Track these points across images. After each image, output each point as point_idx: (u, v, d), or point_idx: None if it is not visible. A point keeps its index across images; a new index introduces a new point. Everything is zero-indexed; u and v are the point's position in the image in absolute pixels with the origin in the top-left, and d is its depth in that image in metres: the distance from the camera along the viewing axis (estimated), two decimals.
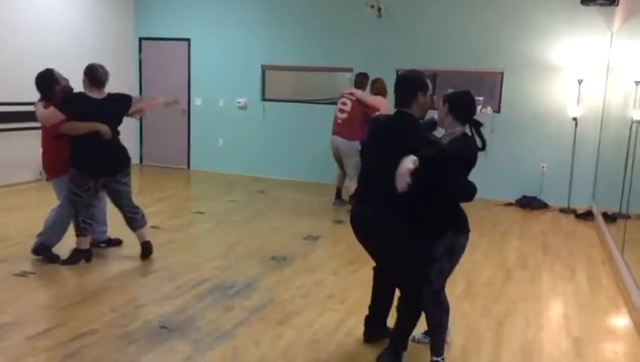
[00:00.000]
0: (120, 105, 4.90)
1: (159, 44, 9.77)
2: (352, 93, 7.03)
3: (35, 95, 4.80)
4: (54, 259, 4.82)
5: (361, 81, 7.14)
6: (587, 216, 7.36)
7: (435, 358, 3.17)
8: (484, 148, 3.05)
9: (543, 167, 7.98)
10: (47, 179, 5.07)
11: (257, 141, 9.38)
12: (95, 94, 4.74)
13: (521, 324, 4.02)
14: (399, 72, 3.31)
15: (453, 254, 3.09)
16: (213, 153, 9.66)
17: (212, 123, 9.63)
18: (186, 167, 9.89)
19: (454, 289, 4.53)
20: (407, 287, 3.21)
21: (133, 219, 5.00)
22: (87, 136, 4.64)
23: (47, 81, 4.72)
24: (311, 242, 5.79)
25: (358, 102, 6.90)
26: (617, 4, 7.16)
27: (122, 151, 4.93)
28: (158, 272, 4.71)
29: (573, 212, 7.61)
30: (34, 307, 3.93)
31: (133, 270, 4.75)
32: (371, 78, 7.20)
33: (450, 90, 3.15)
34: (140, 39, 9.87)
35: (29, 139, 7.85)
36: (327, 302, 4.22)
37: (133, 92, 9.67)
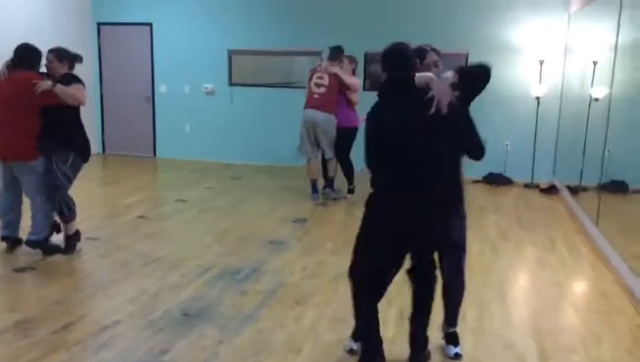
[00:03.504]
0: None
1: (119, 29, 9.50)
2: (328, 69, 6.83)
3: None
4: (56, 250, 4.75)
5: (336, 54, 6.91)
6: (550, 190, 7.80)
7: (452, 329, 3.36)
8: None
9: (506, 145, 8.36)
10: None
11: (226, 127, 9.33)
12: None
13: (520, 293, 4.31)
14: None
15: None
16: (180, 140, 9.53)
17: (178, 110, 9.49)
18: (152, 155, 9.72)
19: None
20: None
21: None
22: (79, 120, 4.70)
23: (37, 55, 4.64)
24: (300, 225, 5.90)
25: (335, 77, 6.78)
26: None
27: None
28: (159, 262, 4.70)
29: (537, 186, 8.04)
30: (46, 303, 3.86)
31: (133, 261, 4.70)
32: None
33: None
34: (99, 24, 9.56)
35: None
36: (336, 282, 4.34)
37: (94, 80, 9.41)
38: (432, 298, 3.13)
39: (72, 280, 4.30)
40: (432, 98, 2.68)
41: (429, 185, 2.78)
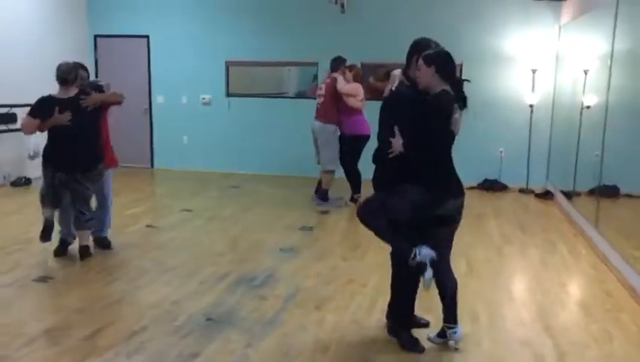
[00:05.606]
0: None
1: (116, 41, 9.57)
2: (331, 79, 7.05)
3: None
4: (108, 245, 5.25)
5: (336, 64, 7.10)
6: (545, 195, 8.01)
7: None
8: (465, 105, 3.28)
9: (501, 151, 8.57)
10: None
11: (223, 137, 9.43)
12: (62, 94, 4.81)
13: (528, 294, 4.46)
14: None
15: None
16: (178, 151, 9.60)
17: (176, 120, 9.56)
18: (150, 166, 9.78)
19: (459, 268, 4.89)
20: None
21: (78, 218, 4.93)
22: (53, 130, 4.78)
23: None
24: (307, 232, 6.01)
25: (329, 85, 7.00)
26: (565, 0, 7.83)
27: (89, 153, 4.88)
28: (176, 270, 4.78)
29: (532, 192, 8.25)
30: (70, 311, 3.92)
31: (151, 269, 4.78)
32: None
33: (429, 52, 3.22)
34: (96, 37, 9.63)
35: None
36: (350, 287, 4.47)
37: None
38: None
39: (91, 289, 4.35)
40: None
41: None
